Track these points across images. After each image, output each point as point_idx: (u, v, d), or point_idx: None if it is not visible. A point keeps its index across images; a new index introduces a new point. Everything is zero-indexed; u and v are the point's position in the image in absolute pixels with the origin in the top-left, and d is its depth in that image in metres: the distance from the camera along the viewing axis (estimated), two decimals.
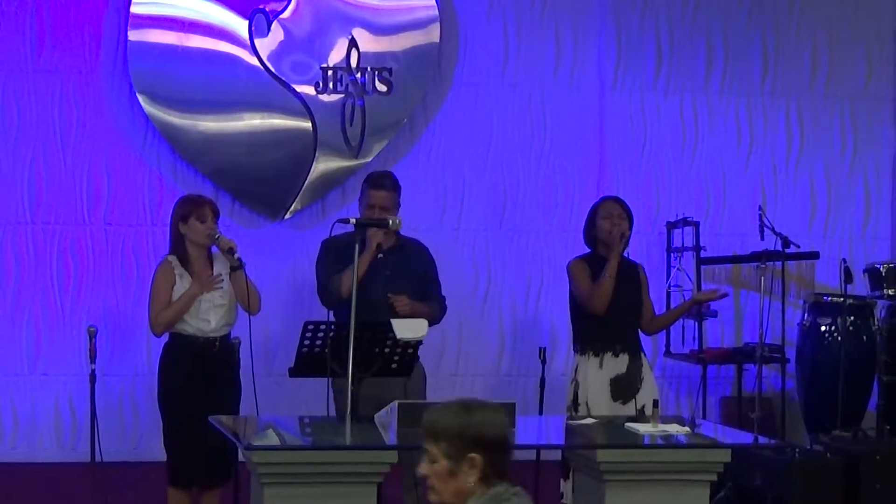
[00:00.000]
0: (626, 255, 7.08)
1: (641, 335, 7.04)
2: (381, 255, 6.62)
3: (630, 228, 6.92)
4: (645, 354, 6.96)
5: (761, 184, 9.45)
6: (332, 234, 6.49)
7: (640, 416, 6.11)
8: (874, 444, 7.69)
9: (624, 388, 6.72)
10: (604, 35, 9.28)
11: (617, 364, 6.75)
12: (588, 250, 7.03)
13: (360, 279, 6.29)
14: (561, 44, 9.23)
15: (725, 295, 7.35)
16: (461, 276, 8.99)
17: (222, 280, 6.69)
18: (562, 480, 6.59)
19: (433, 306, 6.79)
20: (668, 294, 8.91)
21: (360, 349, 5.81)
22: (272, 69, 8.83)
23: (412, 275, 6.75)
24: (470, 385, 9.01)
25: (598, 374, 6.75)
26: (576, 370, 6.85)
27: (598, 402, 6.68)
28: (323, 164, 8.91)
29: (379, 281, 6.57)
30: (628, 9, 9.28)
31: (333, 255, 6.60)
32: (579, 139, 9.25)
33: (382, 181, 6.78)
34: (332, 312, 6.46)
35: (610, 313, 6.75)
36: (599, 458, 5.51)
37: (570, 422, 6.38)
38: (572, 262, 6.97)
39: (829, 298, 8.84)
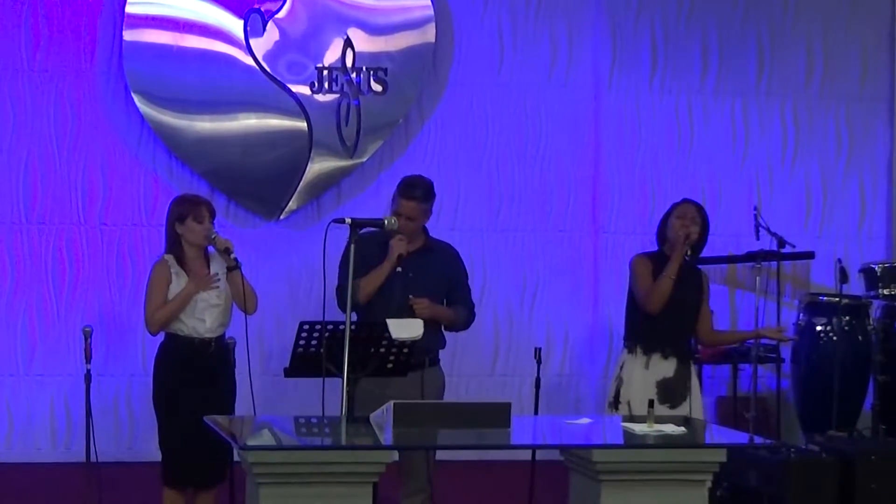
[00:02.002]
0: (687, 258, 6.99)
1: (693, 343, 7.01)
2: (399, 269, 6.59)
3: (704, 234, 6.88)
4: (693, 363, 6.91)
5: (756, 184, 9.45)
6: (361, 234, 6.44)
7: (687, 422, 6.07)
8: (870, 444, 7.70)
9: (671, 392, 6.68)
10: (598, 35, 9.28)
11: (665, 367, 6.71)
12: (656, 248, 6.97)
13: (381, 284, 6.44)
14: (556, 44, 9.24)
15: (793, 339, 7.41)
16: None
17: (219, 279, 6.68)
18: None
19: (459, 311, 6.76)
20: None
21: (356, 349, 5.80)
22: (267, 69, 8.83)
23: (436, 278, 6.71)
24: (465, 385, 9.00)
25: (643, 374, 6.72)
26: (621, 367, 6.82)
27: (642, 402, 6.63)
28: (318, 164, 8.91)
29: (400, 284, 6.55)
30: (623, 9, 9.28)
31: (358, 255, 6.55)
32: (574, 139, 9.25)
33: (413, 192, 6.66)
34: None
35: (665, 314, 6.70)
36: (595, 458, 5.51)
37: (568, 422, 6.34)
38: (635, 258, 6.92)
39: (825, 298, 8.85)
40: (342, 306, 6.47)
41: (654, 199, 9.25)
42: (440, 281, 6.73)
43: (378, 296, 6.48)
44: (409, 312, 6.45)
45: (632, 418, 6.25)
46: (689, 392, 6.72)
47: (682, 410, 6.59)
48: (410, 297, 6.54)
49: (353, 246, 5.94)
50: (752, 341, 8.04)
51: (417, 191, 6.69)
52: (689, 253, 6.81)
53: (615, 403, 6.74)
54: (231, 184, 8.87)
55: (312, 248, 8.64)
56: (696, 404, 6.72)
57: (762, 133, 9.47)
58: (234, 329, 6.79)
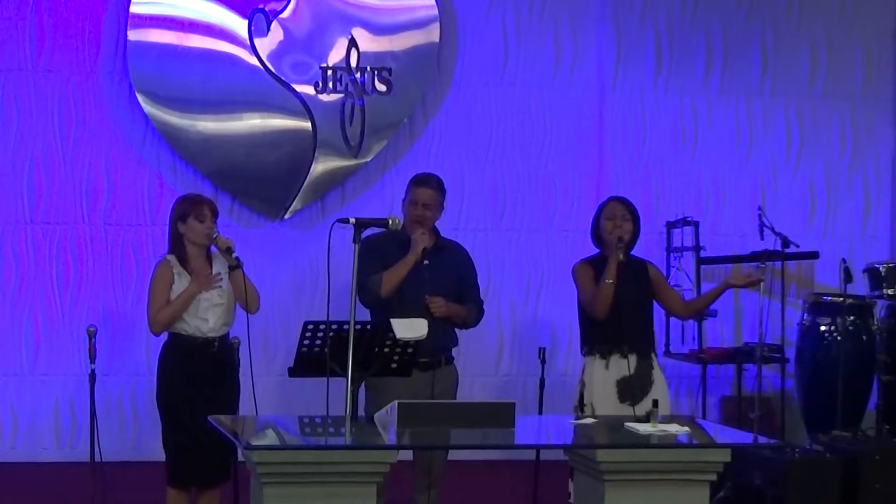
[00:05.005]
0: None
1: (658, 336, 6.97)
2: (426, 262, 6.62)
3: (636, 229, 6.86)
4: (656, 355, 6.90)
5: (761, 183, 9.46)
6: (372, 234, 6.46)
7: (643, 418, 6.06)
8: (874, 444, 7.68)
9: (632, 389, 6.67)
10: (603, 35, 9.28)
11: (624, 365, 6.70)
12: (597, 250, 6.97)
13: (402, 281, 6.48)
14: (560, 43, 9.24)
15: (761, 279, 7.17)
16: None
17: (221, 278, 6.68)
18: (570, 480, 6.56)
19: (471, 309, 6.80)
20: None
21: (361, 349, 5.80)
22: (272, 69, 8.83)
23: (450, 276, 6.73)
24: (470, 385, 8.98)
25: (604, 375, 6.71)
26: (583, 371, 6.82)
27: (604, 403, 6.64)
28: (322, 164, 8.92)
29: (418, 282, 6.57)
30: (627, 8, 9.29)
31: (376, 253, 6.58)
32: (579, 139, 9.25)
33: (428, 179, 6.78)
34: (367, 311, 6.51)
35: (615, 315, 6.69)
36: (599, 457, 5.50)
37: (572, 422, 6.35)
38: (576, 266, 6.92)
39: (829, 298, 8.84)
40: (366, 303, 6.55)
41: (659, 199, 9.26)
42: (453, 279, 6.76)
43: (396, 296, 6.50)
44: (426, 311, 6.47)
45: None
46: (650, 386, 6.70)
47: (645, 406, 6.55)
48: (426, 295, 6.56)
49: (356, 246, 5.94)
50: (756, 340, 8.02)
51: (432, 180, 6.79)
52: (622, 255, 6.74)
53: (580, 407, 6.75)
54: (235, 184, 8.88)
55: (317, 248, 8.67)
56: (659, 398, 6.66)
57: (766, 133, 9.48)
58: (238, 328, 6.79)
